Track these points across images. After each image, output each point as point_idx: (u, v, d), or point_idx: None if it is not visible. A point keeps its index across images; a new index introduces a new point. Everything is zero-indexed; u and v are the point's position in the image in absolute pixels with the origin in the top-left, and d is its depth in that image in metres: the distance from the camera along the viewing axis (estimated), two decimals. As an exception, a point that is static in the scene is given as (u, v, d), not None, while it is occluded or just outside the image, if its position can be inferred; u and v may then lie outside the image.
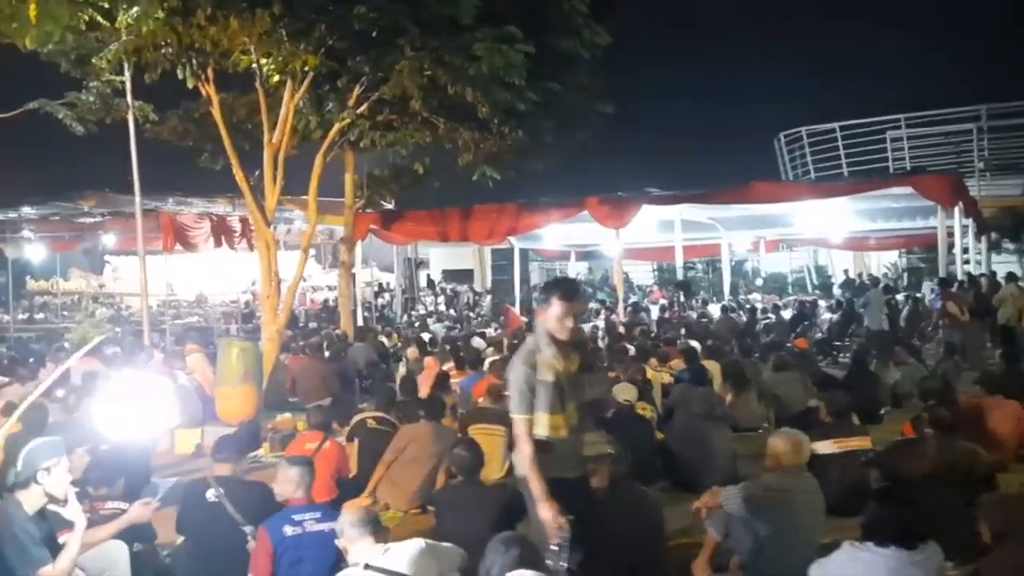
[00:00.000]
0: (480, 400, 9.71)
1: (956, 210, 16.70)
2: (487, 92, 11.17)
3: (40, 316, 26.53)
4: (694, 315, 19.13)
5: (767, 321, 18.33)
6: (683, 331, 16.85)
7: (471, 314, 27.51)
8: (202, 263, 26.00)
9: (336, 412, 11.79)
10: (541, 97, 11.82)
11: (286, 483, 5.03)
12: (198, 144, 15.26)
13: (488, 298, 29.96)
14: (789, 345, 13.47)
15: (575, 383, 4.34)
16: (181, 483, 6.59)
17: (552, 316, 4.20)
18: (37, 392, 4.61)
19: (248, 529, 5.16)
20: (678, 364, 11.64)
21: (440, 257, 37.85)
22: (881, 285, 18.98)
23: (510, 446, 8.84)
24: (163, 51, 11.38)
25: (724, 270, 24.70)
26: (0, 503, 4.09)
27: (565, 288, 4.27)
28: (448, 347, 15.38)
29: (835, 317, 17.74)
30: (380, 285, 30.93)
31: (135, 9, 10.39)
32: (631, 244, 19.89)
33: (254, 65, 11.64)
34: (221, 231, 19.34)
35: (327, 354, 13.35)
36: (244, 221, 21.39)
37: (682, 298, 21.18)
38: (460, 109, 12.54)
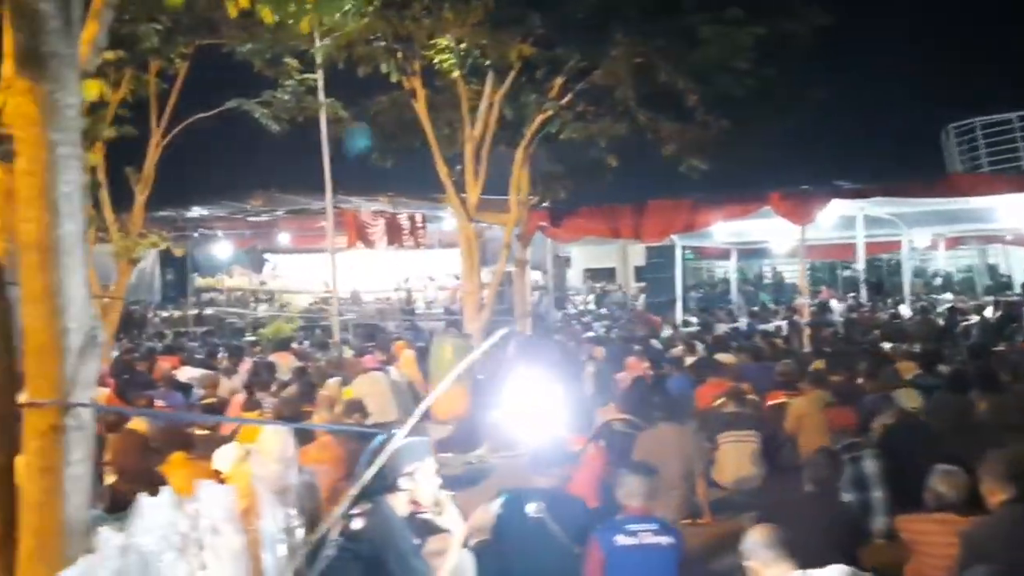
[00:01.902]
0: (716, 404, 9.20)
1: None
2: (707, 79, 10.61)
3: (208, 312, 27.43)
4: (884, 316, 18.09)
5: (966, 323, 17.13)
6: (876, 332, 15.90)
7: (621, 313, 27.00)
8: (352, 261, 26.38)
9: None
10: (758, 83, 11.20)
11: (625, 490, 4.63)
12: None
13: (642, 297, 29.38)
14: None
15: None
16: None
17: None
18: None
19: (575, 549, 4.76)
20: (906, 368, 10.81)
21: (582, 255, 37.42)
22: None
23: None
24: (373, 45, 11.29)
25: (904, 269, 23.36)
26: (373, 509, 3.80)
27: None
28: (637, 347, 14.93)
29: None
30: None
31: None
32: (802, 241, 18.91)
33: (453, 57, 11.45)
34: (393, 228, 19.38)
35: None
36: (411, 218, 21.46)
37: (864, 297, 20.10)
38: (662, 98, 12.05)
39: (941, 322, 16.93)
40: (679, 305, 24.21)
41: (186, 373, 12.93)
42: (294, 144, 15.44)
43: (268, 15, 5.73)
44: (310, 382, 10.54)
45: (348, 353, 13.97)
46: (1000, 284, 28.18)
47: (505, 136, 13.14)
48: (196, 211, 23.34)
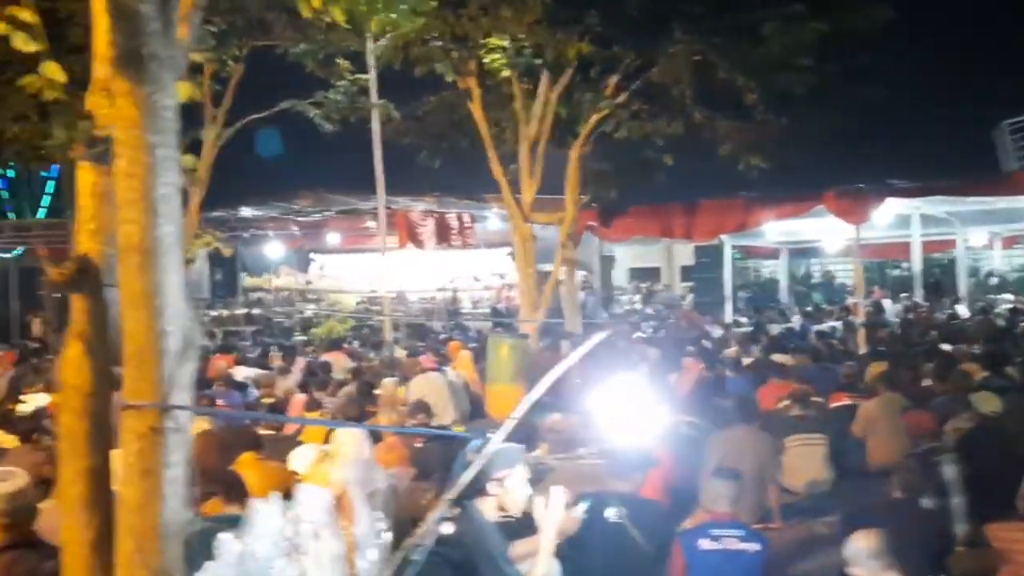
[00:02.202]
0: (779, 407, 9.06)
1: None
2: (768, 76, 10.45)
3: (256, 311, 27.68)
4: (943, 316, 17.75)
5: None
6: (934, 333, 15.62)
7: (669, 312, 26.80)
8: (397, 261, 26.45)
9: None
10: (819, 81, 11.00)
11: (712, 495, 4.54)
12: (417, 142, 15.25)
13: (690, 297, 29.13)
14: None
15: None
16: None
17: None
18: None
19: (654, 553, 4.69)
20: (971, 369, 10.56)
21: (627, 255, 37.18)
22: None
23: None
24: (429, 45, 11.28)
25: (960, 268, 22.94)
26: (463, 514, 3.76)
27: None
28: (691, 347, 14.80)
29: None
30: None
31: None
32: (856, 240, 18.63)
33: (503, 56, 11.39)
34: (442, 228, 19.40)
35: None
36: (460, 218, 21.47)
37: (919, 297, 19.75)
38: (719, 96, 11.90)
39: (1001, 323, 16.56)
40: (728, 305, 24.00)
41: (241, 372, 13.04)
42: (340, 144, 15.53)
43: (340, 15, 5.71)
44: (367, 382, 10.56)
45: (399, 353, 13.99)
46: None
47: (559, 135, 13.05)
48: (247, 211, 23.58)
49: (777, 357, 12.50)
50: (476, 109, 11.99)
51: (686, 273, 32.60)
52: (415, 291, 27.64)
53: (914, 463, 5.34)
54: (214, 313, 27.04)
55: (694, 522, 5.02)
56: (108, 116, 3.54)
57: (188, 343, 3.23)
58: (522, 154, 11.98)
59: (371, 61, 13.05)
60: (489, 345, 10.85)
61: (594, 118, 12.17)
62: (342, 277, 27.77)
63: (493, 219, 25.98)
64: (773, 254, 28.91)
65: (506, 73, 11.98)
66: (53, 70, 3.59)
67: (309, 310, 25.04)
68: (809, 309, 21.97)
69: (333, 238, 23.98)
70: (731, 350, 14.57)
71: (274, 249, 27.87)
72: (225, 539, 2.62)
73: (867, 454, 8.08)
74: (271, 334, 22.93)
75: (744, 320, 21.56)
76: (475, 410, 10.92)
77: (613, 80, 11.98)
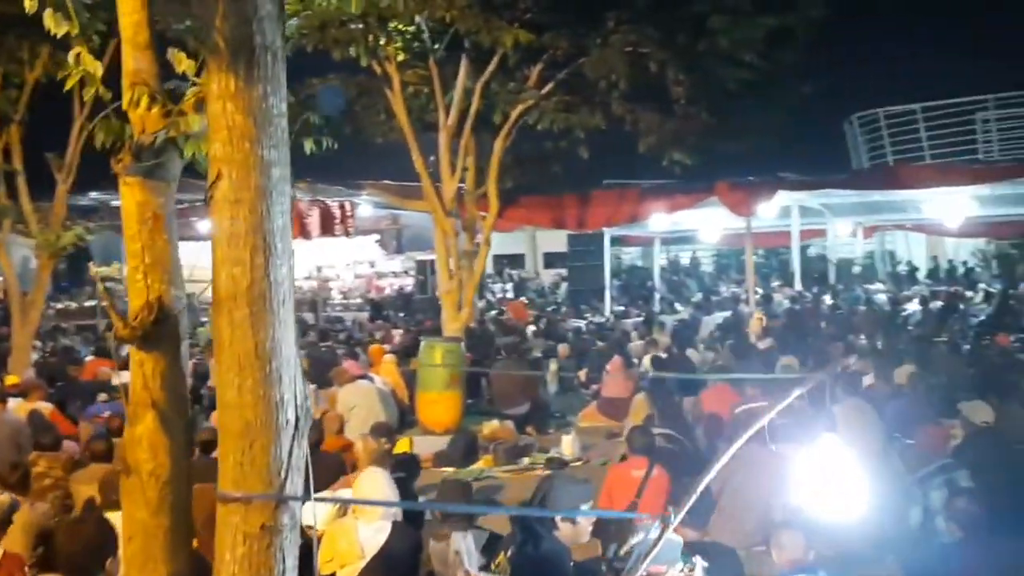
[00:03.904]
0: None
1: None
2: (707, 70, 10.23)
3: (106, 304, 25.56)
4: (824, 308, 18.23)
5: (904, 313, 17.47)
6: (822, 324, 15.97)
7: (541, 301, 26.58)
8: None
9: (538, 418, 11.00)
10: (752, 75, 10.89)
11: (792, 549, 4.13)
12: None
13: (564, 286, 29.05)
14: (986, 342, 12.55)
15: None
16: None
17: None
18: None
19: None
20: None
21: (493, 241, 36.80)
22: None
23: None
24: (348, 26, 10.44)
25: (830, 258, 23.84)
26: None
27: None
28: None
29: (988, 310, 16.87)
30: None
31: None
32: (750, 231, 18.95)
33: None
34: (326, 218, 18.47)
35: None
36: (342, 207, 20.54)
37: (798, 286, 20.32)
38: (642, 90, 11.63)
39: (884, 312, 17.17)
40: (607, 295, 23.98)
41: (124, 378, 11.78)
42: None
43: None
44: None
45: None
46: (894, 273, 28.95)
47: (480, 125, 12.45)
48: (96, 196, 21.67)
49: (690, 353, 12.41)
50: (397, 95, 11.22)
51: (549, 259, 32.50)
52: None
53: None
54: (59, 306, 24.86)
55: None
56: (153, 121, 2.78)
57: (306, 415, 2.54)
58: (442, 144, 11.34)
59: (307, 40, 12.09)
60: (422, 350, 10.16)
61: (519, 108, 11.63)
62: (201, 265, 26.05)
63: (364, 206, 25.09)
64: (647, 243, 29.13)
65: (401, 58, 11.33)
66: (88, 59, 2.77)
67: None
68: (697, 300, 22.18)
69: (204, 225, 22.37)
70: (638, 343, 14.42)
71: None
72: None
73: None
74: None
75: (621, 310, 21.60)
76: (402, 418, 10.24)
77: (537, 69, 11.48)
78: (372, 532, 4.31)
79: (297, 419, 2.48)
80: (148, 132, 2.81)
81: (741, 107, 11.84)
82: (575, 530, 4.76)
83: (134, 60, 2.83)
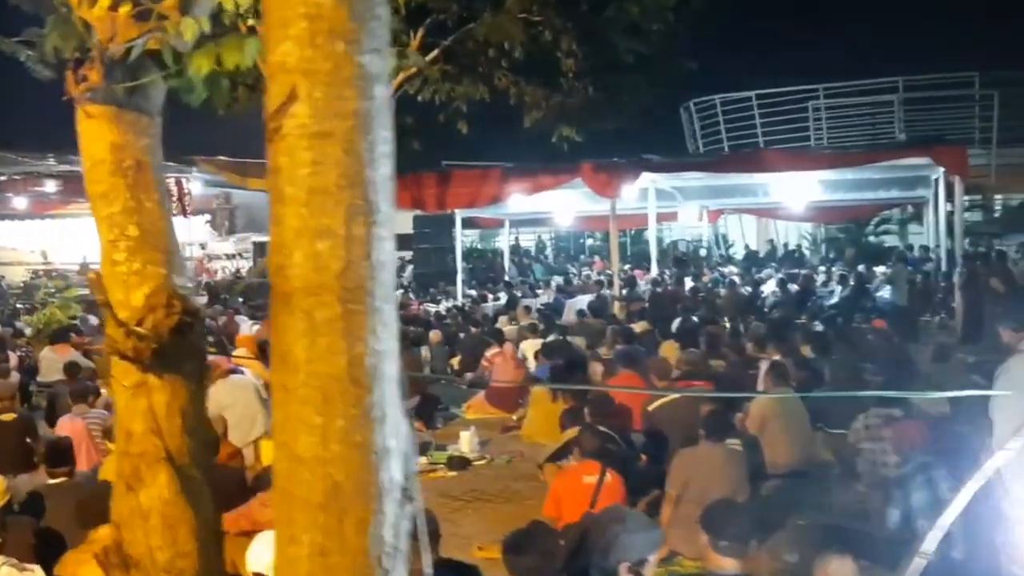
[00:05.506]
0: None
1: (945, 181, 16.61)
2: (604, 40, 9.65)
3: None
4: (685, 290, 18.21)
5: (763, 296, 17.71)
6: (679, 307, 15.85)
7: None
8: (73, 228, 22.80)
9: (428, 412, 10.10)
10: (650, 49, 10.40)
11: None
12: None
13: (409, 269, 28.12)
14: (865, 325, 12.66)
15: None
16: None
17: None
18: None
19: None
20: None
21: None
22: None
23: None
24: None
25: (680, 241, 24.09)
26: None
27: None
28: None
29: (844, 292, 17.28)
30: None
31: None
32: (614, 213, 18.66)
33: None
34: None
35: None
36: (178, 184, 18.90)
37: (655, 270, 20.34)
38: (527, 62, 10.97)
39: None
40: (459, 278, 23.26)
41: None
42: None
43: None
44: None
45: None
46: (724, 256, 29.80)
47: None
48: None
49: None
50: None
51: (407, 243, 31.56)
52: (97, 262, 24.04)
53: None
54: None
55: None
56: (124, 25, 1.84)
57: (411, 475, 1.65)
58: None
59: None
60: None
61: (401, 76, 10.65)
62: (18, 247, 23.51)
63: (193, 183, 23.31)
64: (497, 225, 28.51)
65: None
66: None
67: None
68: (561, 282, 21.85)
69: (20, 202, 20.04)
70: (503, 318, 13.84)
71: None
72: None
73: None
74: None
75: (473, 294, 21.01)
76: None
77: (420, 34, 10.55)
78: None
79: (405, 479, 1.60)
80: (119, 41, 1.84)
81: (629, 83, 11.34)
82: None
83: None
